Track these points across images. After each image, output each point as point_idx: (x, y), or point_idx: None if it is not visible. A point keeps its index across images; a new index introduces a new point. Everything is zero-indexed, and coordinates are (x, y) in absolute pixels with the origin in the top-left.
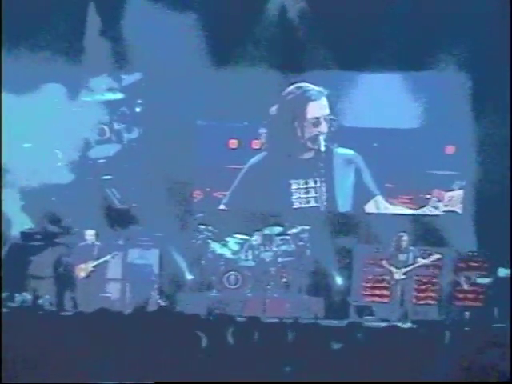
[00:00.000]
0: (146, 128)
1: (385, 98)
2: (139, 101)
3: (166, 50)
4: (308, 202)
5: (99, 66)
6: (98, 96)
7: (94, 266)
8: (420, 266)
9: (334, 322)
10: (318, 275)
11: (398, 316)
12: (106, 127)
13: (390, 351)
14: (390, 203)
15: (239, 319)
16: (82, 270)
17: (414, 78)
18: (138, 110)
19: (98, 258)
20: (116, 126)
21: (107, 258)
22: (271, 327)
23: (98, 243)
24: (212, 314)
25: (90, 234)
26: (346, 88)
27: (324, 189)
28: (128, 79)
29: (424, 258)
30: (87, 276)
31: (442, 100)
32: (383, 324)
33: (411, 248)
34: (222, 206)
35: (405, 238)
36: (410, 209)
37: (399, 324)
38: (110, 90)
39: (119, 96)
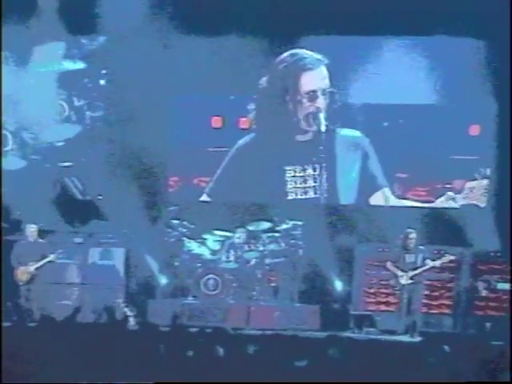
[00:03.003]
0: (112, 104)
1: (397, 68)
2: (104, 71)
3: (136, 9)
4: (305, 193)
5: (54, 28)
6: (53, 65)
7: (37, 269)
8: (430, 269)
9: (315, 334)
10: (312, 279)
11: (405, 327)
12: (64, 103)
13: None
14: (403, 197)
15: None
16: (23, 274)
17: (431, 44)
18: (102, 82)
19: (42, 259)
20: (76, 102)
21: (51, 258)
22: (237, 339)
23: (41, 241)
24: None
25: (31, 230)
26: (351, 56)
27: (324, 177)
28: (90, 45)
29: (434, 260)
30: (30, 280)
31: (465, 70)
32: (383, 337)
33: (420, 248)
34: (204, 197)
35: (413, 235)
36: (425, 202)
37: (406, 337)
38: (69, 57)
39: (80, 65)
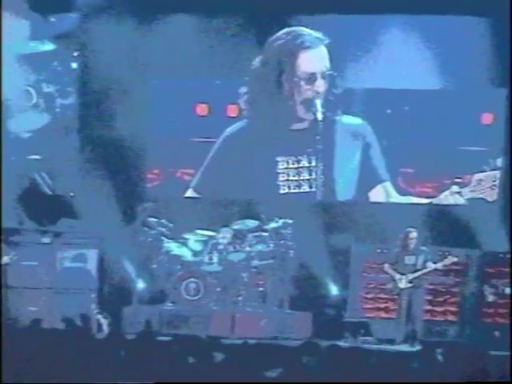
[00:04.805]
0: (85, 90)
1: (402, 50)
2: (76, 53)
3: None
4: (299, 187)
5: (19, 5)
6: (18, 47)
7: None
8: (432, 272)
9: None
10: (304, 283)
11: (404, 336)
12: (31, 90)
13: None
14: (407, 193)
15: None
16: None
17: (440, 23)
18: (74, 65)
19: None
20: (45, 87)
21: (5, 260)
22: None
23: None
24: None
25: None
26: (353, 36)
27: (321, 170)
28: (60, 24)
29: (436, 262)
30: None
31: (476, 53)
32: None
33: (422, 248)
34: (190, 193)
35: (413, 235)
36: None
37: (405, 346)
38: (36, 38)
39: (49, 47)
